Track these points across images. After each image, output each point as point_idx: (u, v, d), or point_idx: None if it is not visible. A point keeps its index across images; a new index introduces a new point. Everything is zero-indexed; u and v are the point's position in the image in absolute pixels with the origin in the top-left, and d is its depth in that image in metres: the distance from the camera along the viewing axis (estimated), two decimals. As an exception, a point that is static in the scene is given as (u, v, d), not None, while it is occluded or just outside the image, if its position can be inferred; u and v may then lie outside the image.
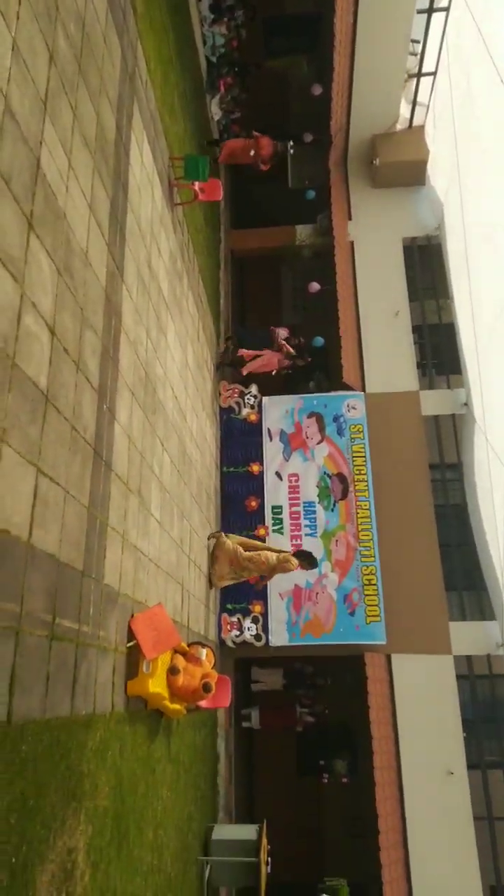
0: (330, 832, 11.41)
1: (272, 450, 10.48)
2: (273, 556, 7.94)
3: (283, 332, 10.63)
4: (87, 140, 4.31)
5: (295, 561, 7.91)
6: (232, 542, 8.18)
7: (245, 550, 8.11)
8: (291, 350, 10.37)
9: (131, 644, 4.49)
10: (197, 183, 7.64)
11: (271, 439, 10.55)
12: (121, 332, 4.86)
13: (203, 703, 5.53)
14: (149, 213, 6.13)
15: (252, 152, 9.74)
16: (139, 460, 5.18)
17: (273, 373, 10.62)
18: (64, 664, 3.39)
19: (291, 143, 10.02)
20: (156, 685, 4.61)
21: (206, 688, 5.21)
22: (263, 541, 9.30)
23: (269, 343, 10.55)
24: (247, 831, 7.65)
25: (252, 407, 10.64)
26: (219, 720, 8.72)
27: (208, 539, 8.17)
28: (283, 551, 8.25)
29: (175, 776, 5.98)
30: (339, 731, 11.38)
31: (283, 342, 10.39)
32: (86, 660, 3.72)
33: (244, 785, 11.10)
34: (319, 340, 12.14)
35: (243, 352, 10.36)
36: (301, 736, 11.94)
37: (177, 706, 5.15)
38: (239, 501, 10.12)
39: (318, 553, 9.88)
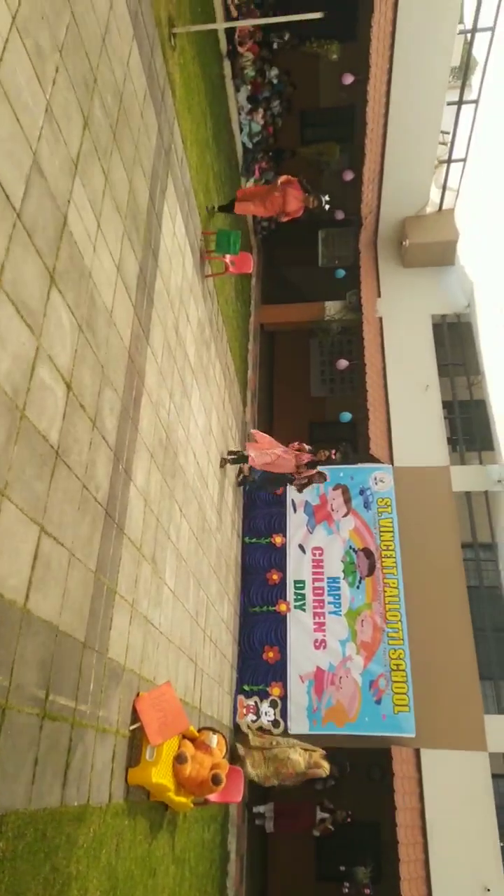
0: None
1: (296, 521, 10.17)
2: (302, 763, 7.89)
3: (304, 457, 8.97)
4: (119, 205, 4.37)
5: (327, 766, 7.91)
6: (254, 754, 8.12)
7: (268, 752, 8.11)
8: (304, 472, 8.74)
9: (135, 727, 4.13)
10: (228, 256, 7.79)
11: (295, 511, 10.26)
12: (143, 393, 4.77)
13: (212, 797, 5.05)
14: (178, 282, 6.19)
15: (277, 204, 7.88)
16: (154, 525, 4.97)
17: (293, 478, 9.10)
18: (56, 747, 3.07)
19: (327, 197, 8.27)
20: (160, 775, 4.19)
21: (215, 780, 4.75)
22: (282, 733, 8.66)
23: (288, 479, 9.27)
24: None
25: (277, 477, 10.41)
26: (230, 815, 8.04)
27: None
28: (314, 750, 8.12)
29: (179, 879, 5.41)
30: (364, 832, 10.43)
31: (300, 463, 8.69)
32: (82, 743, 3.39)
33: (257, 889, 10.13)
34: (347, 416, 12.04)
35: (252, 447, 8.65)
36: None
37: (183, 799, 4.69)
38: (260, 573, 9.74)
39: (342, 633, 9.39)
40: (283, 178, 7.83)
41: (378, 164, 12.30)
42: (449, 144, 12.21)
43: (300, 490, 9.62)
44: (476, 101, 11.26)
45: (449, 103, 11.41)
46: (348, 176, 12.92)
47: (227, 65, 9.80)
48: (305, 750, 7.98)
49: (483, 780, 8.79)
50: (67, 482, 3.30)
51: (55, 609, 3.11)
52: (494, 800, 8.82)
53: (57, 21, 3.36)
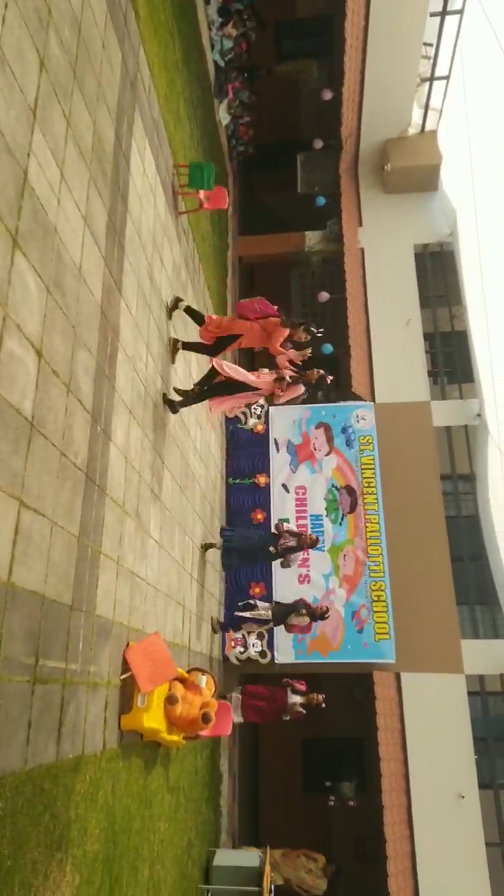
0: (337, 854, 11.12)
1: (279, 461, 10.27)
2: (308, 879, 8.53)
3: (286, 369, 7.01)
4: (83, 150, 4.12)
5: (322, 860, 8.66)
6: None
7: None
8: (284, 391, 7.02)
9: (125, 675, 4.28)
10: (202, 191, 7.46)
11: (278, 450, 10.33)
12: (118, 349, 4.67)
13: (203, 733, 5.31)
14: (151, 224, 5.94)
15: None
16: (137, 480, 4.98)
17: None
18: (48, 708, 3.19)
19: (318, 329, 6.74)
20: (151, 720, 4.39)
21: (205, 718, 4.99)
22: None
23: (270, 541, 8.54)
24: (249, 858, 7.41)
25: (259, 417, 10.44)
26: (222, 739, 8.49)
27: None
28: (316, 864, 8.64)
29: (174, 805, 5.76)
30: (348, 749, 11.11)
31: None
32: (74, 699, 3.51)
33: (248, 803, 10.85)
34: (328, 348, 11.93)
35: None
36: (308, 751, 11.70)
37: (174, 737, 4.94)
38: (245, 514, 9.91)
39: (325, 568, 9.67)
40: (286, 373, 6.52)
41: (358, 83, 11.67)
42: (432, 60, 11.57)
43: (286, 564, 9.15)
44: (461, 12, 10.59)
45: (432, 14, 10.73)
46: (327, 95, 12.28)
47: (194, -26, 9.07)
48: (308, 869, 8.61)
49: (460, 700, 9.34)
50: (45, 452, 3.28)
51: (40, 579, 3.15)
52: (470, 715, 9.41)
53: None
